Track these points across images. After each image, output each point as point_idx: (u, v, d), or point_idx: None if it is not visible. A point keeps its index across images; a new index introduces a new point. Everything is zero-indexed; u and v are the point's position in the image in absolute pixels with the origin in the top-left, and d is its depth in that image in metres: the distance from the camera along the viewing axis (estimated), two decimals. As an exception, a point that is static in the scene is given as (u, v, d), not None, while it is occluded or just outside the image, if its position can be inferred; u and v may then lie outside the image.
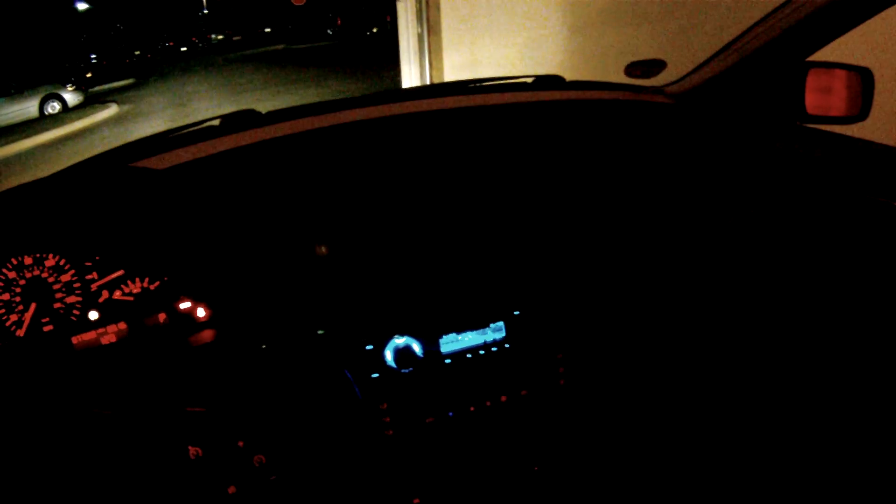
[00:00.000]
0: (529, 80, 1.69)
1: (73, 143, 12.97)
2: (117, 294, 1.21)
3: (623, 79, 1.78)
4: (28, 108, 17.30)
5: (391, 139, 1.41)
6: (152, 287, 1.22)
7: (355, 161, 1.37)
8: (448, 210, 1.39)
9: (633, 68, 1.76)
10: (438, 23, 5.62)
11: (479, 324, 1.33)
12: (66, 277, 1.18)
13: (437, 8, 5.58)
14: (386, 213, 1.35)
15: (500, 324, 1.34)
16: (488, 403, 1.37)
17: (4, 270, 1.16)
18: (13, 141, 13.72)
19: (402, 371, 1.29)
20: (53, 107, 17.69)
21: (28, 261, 1.17)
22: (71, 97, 18.07)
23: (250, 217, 1.28)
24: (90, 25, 34.59)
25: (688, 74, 1.68)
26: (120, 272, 1.21)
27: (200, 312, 1.25)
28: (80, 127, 14.76)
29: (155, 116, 14.21)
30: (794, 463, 1.51)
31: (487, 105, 1.51)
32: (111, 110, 16.54)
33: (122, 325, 1.21)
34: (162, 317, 1.23)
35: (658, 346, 1.50)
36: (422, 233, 1.37)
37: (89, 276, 1.19)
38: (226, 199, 1.28)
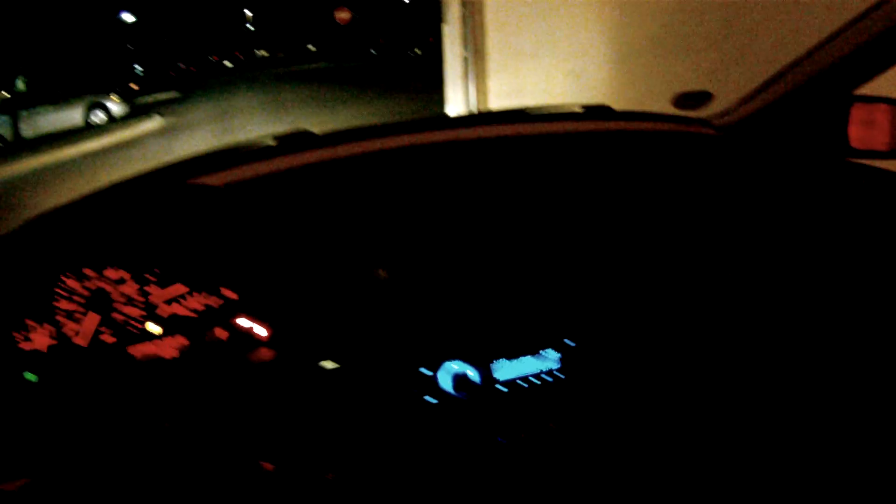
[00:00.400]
0: (579, 109, 1.71)
1: (118, 153, 13.05)
2: (179, 309, 1.23)
3: (669, 109, 1.77)
4: (73, 116, 17.54)
5: (444, 165, 1.45)
6: (214, 304, 1.24)
7: (410, 186, 1.40)
8: (499, 236, 1.41)
9: (680, 99, 1.78)
10: (484, 47, 5.62)
11: (533, 351, 1.34)
12: (128, 290, 1.21)
13: (483, 32, 5.57)
14: (439, 237, 1.38)
15: (555, 352, 1.34)
16: (540, 431, 1.35)
17: (68, 282, 1.18)
18: (58, 149, 13.91)
19: (456, 396, 1.29)
20: (98, 116, 17.90)
21: (91, 273, 1.19)
22: (116, 107, 18.28)
23: (309, 237, 1.32)
24: (136, 37, 35.16)
25: (734, 106, 1.68)
26: (183, 288, 1.23)
27: (260, 331, 1.26)
28: (125, 138, 14.87)
29: (199, 130, 14.25)
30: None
31: (539, 134, 1.54)
32: (156, 122, 16.64)
33: (183, 340, 1.23)
34: (222, 333, 1.24)
35: (713, 380, 1.46)
36: (475, 258, 1.39)
37: (152, 290, 1.22)
38: (285, 219, 1.31)
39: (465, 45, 5.67)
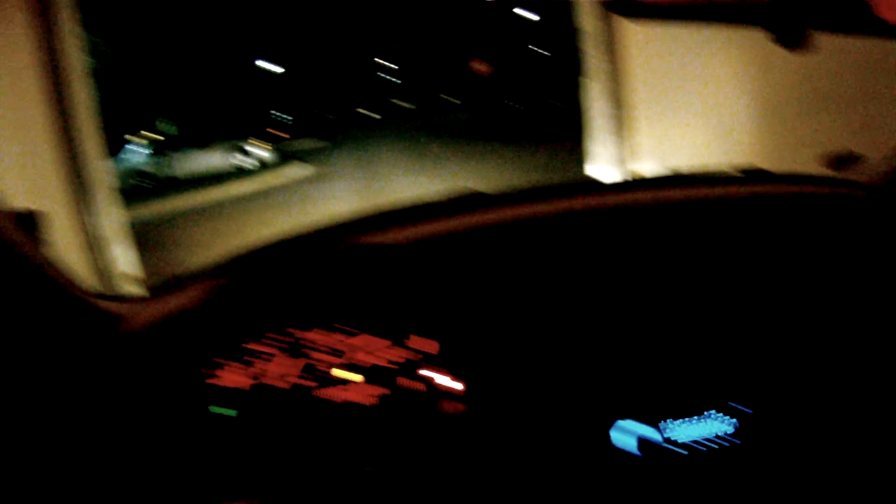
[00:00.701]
0: (733, 172, 1.74)
1: (265, 198, 13.08)
2: (380, 360, 1.28)
3: (817, 169, 1.77)
4: (223, 160, 18.08)
5: (611, 230, 1.49)
6: (414, 357, 1.29)
7: (579, 249, 1.45)
8: (669, 299, 1.42)
9: (828, 159, 1.80)
10: (628, 102, 5.54)
11: (708, 415, 1.33)
12: (332, 341, 1.28)
13: (628, 86, 5.52)
14: (615, 298, 1.40)
15: (731, 418, 1.33)
16: (711, 495, 1.35)
17: (274, 331, 1.26)
18: (206, 190, 14.20)
19: (634, 455, 1.30)
20: (247, 161, 18.33)
21: (295, 320, 1.28)
22: (264, 153, 18.71)
23: (494, 297, 1.36)
24: (285, 85, 36.66)
25: (881, 166, 1.68)
26: (386, 341, 1.29)
27: (454, 385, 1.29)
28: (272, 183, 15.01)
29: (346, 179, 14.09)
30: None
31: (700, 199, 1.60)
32: (303, 170, 16.71)
33: (382, 389, 1.27)
34: (419, 385, 1.28)
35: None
36: (646, 320, 1.39)
37: (355, 342, 1.28)
38: (475, 279, 1.37)
39: (609, 99, 5.56)
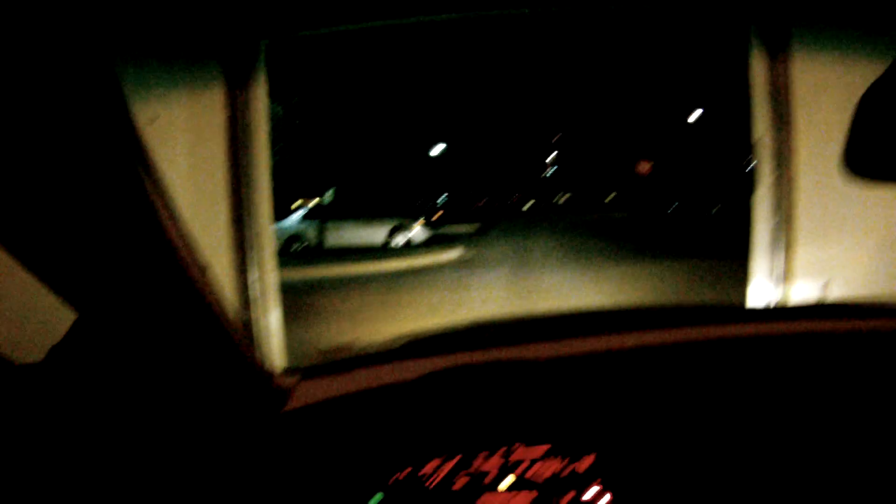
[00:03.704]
0: (888, 303, 1.65)
1: (415, 277, 13.23)
2: (534, 468, 1.28)
3: None
4: (376, 235, 18.59)
5: (755, 359, 1.46)
6: (566, 469, 1.29)
7: (730, 376, 1.43)
8: (809, 434, 1.37)
9: None
10: (793, 215, 4.90)
11: None
12: (496, 454, 1.28)
13: (795, 198, 4.85)
14: (757, 429, 1.36)
15: None
16: None
17: (430, 430, 1.29)
18: (355, 262, 14.59)
19: None
20: (400, 239, 18.74)
21: (452, 420, 1.30)
22: (418, 232, 19.08)
23: (643, 417, 1.35)
24: (445, 168, 37.70)
25: None
26: (543, 448, 1.29)
27: (603, 497, 1.28)
28: (422, 264, 15.21)
29: (495, 266, 14.09)
30: None
31: (852, 331, 1.53)
32: (454, 253, 16.84)
33: (533, 494, 1.26)
34: (570, 495, 1.27)
35: None
36: (788, 450, 1.35)
37: (511, 448, 1.28)
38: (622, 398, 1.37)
39: (775, 211, 4.88)
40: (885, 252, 4.65)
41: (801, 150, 5.05)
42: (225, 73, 2.95)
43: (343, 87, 25.71)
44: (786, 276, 4.98)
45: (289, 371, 1.36)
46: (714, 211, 34.07)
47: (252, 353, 1.18)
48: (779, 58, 4.52)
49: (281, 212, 18.84)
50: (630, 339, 1.48)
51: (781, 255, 5.03)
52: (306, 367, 1.40)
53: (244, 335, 1.08)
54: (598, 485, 1.30)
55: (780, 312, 2.04)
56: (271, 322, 3.19)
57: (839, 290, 3.94)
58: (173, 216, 0.88)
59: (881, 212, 4.58)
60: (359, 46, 23.76)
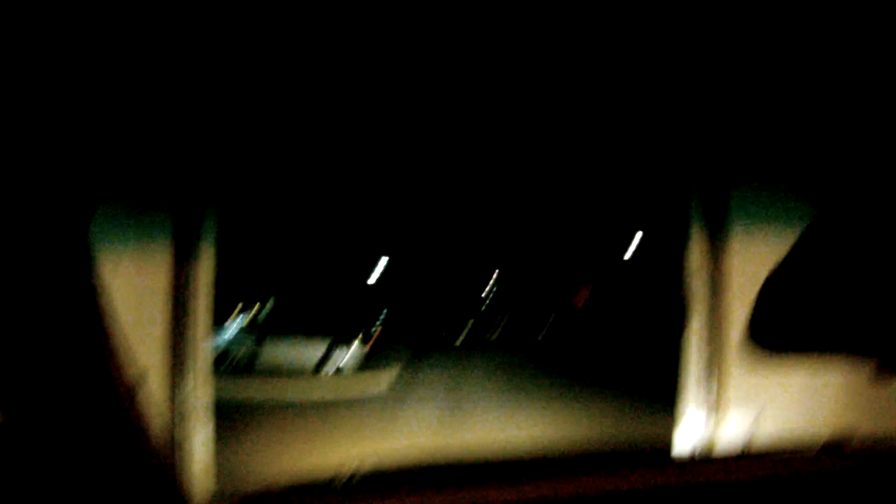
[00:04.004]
0: (812, 447, 1.73)
1: (345, 407, 13.00)
2: None
3: None
4: (312, 354, 18.21)
5: None
6: None
7: None
8: None
9: None
10: (725, 347, 5.18)
11: None
12: None
13: (726, 331, 5.14)
14: None
15: None
16: None
17: None
18: (287, 385, 14.23)
19: None
20: (334, 363, 18.39)
21: None
22: (353, 352, 18.76)
23: None
24: (381, 296, 37.62)
25: None
26: None
27: None
28: (353, 394, 14.91)
29: (428, 400, 13.88)
30: None
31: (776, 476, 1.58)
32: (385, 382, 16.57)
33: None
34: None
35: None
36: None
37: None
38: None
39: (708, 344, 5.25)
40: (816, 379, 4.83)
41: (734, 286, 5.17)
42: (173, 212, 2.99)
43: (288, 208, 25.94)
44: (716, 408, 5.21)
45: (218, 497, 1.32)
46: (646, 345, 34.56)
47: (174, 472, 1.12)
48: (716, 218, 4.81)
49: (219, 320, 18.48)
50: (565, 487, 1.54)
51: (713, 388, 5.27)
52: (242, 497, 1.35)
53: (169, 453, 1.03)
54: None
55: (704, 460, 2.12)
56: (200, 441, 3.07)
57: (770, 423, 3.99)
58: (111, 323, 0.87)
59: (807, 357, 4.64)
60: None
